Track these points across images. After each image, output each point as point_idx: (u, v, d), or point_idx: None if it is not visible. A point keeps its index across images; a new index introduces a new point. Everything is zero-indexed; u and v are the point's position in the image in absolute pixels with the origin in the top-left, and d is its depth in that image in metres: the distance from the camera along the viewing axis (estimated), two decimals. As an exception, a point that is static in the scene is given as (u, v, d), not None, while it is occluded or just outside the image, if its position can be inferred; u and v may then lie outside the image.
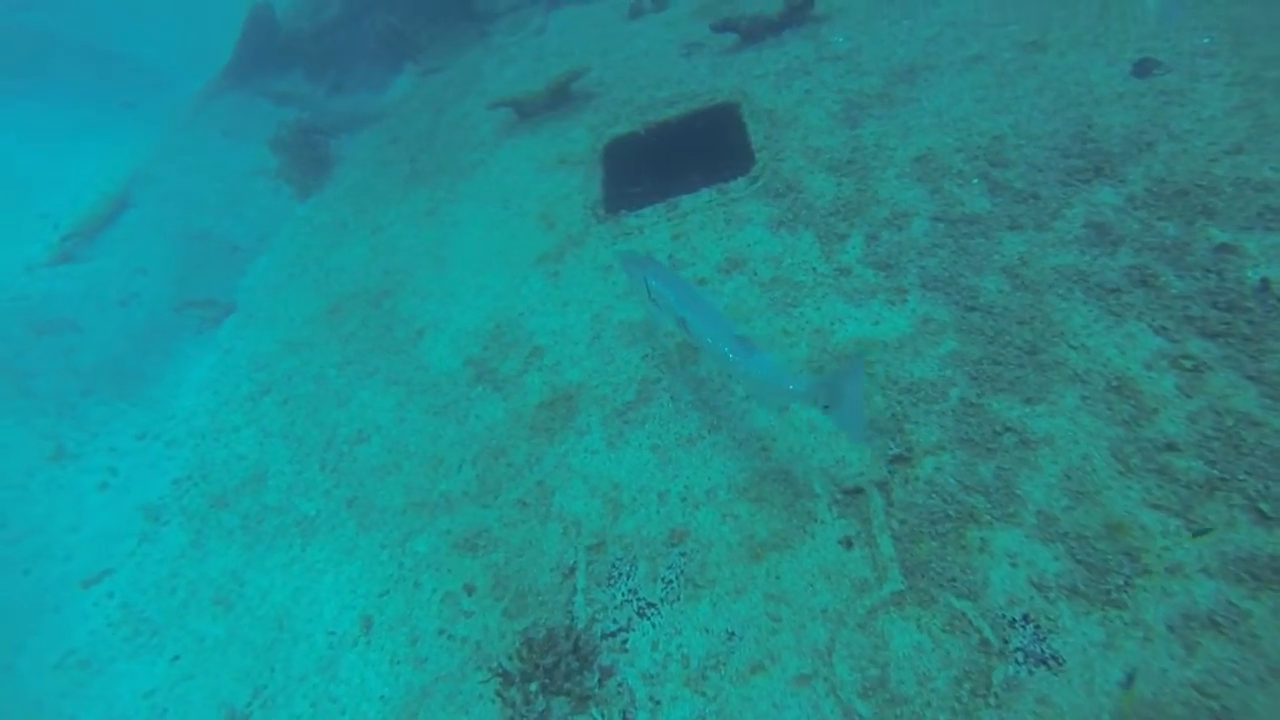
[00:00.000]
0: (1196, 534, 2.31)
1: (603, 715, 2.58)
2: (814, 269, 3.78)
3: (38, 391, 5.67)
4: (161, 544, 4.39)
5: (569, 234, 4.60)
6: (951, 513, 2.64)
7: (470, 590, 3.19)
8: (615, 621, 2.81)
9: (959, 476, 2.72)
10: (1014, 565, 2.43)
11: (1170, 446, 2.57)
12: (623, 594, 2.89)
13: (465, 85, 7.02)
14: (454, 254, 4.98)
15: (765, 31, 5.62)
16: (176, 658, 3.69)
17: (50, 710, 3.76)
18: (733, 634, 2.64)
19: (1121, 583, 2.32)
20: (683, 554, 2.92)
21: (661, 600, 2.81)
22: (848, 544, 2.70)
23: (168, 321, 6.28)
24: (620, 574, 2.95)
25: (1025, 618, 2.29)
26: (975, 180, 3.84)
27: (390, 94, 7.83)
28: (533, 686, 2.69)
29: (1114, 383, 2.81)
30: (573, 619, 2.87)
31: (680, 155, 5.09)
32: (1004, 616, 2.33)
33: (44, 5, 10.35)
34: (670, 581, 2.85)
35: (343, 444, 4.24)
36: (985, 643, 2.29)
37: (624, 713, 2.56)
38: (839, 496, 2.86)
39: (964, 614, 2.36)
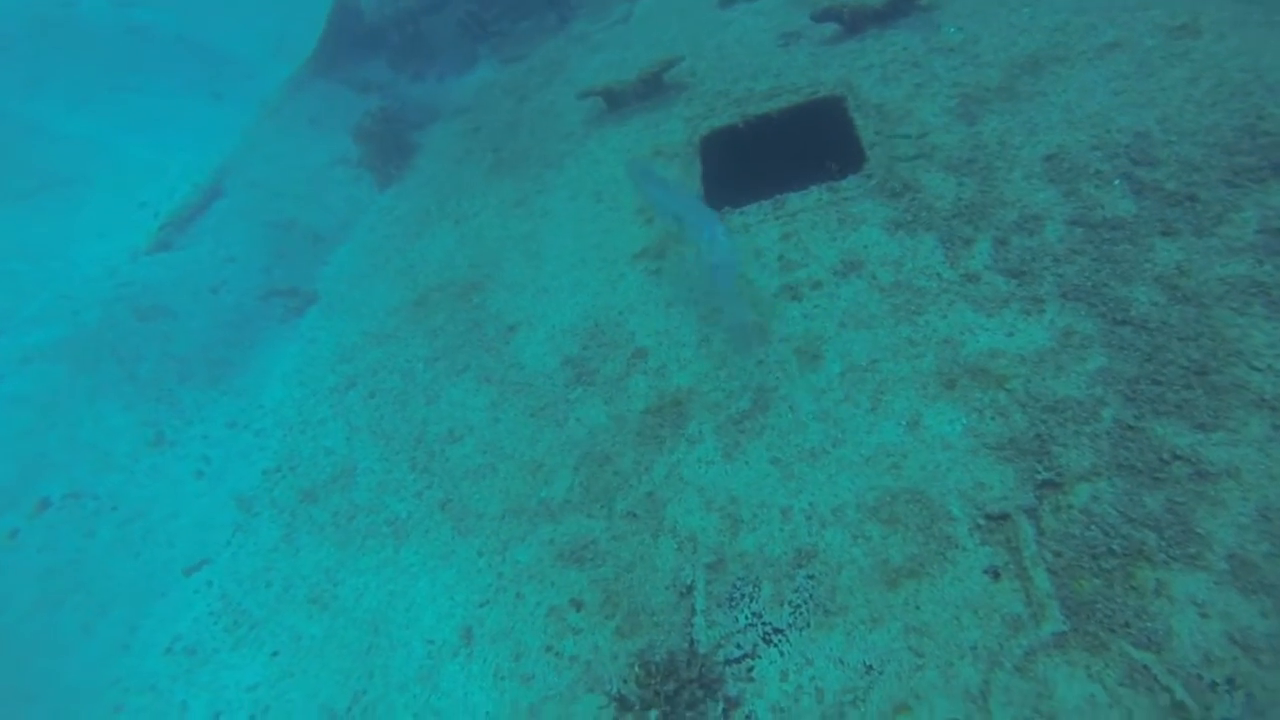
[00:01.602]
0: None
1: (731, 749, 2.44)
2: (938, 274, 3.56)
3: (141, 377, 5.78)
4: (255, 535, 4.39)
5: (669, 230, 4.44)
6: (1116, 548, 2.41)
7: (578, 605, 3.07)
8: (739, 647, 2.65)
9: (1121, 508, 2.49)
10: (1204, 616, 2.19)
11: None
12: (746, 617, 2.73)
13: (549, 73, 6.90)
14: (545, 247, 4.87)
15: (869, 22, 5.36)
16: (275, 654, 3.66)
17: (164, 693, 3.79)
18: (871, 668, 2.46)
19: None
20: (810, 576, 2.75)
21: (790, 626, 2.65)
22: (995, 575, 2.50)
23: (254, 309, 6.34)
24: (743, 595, 2.79)
25: (1231, 682, 2.06)
26: (1117, 181, 3.56)
27: (472, 82, 7.77)
28: (652, 715, 2.56)
29: (1309, 411, 2.54)
30: (693, 642, 2.72)
31: (783, 150, 4.89)
32: (1200, 677, 2.09)
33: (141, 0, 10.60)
34: (798, 606, 2.69)
35: (434, 443, 4.17)
36: (1180, 706, 2.06)
37: (754, 748, 2.42)
38: (981, 522, 2.65)
39: (1146, 667, 2.14)
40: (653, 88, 5.57)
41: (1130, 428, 2.68)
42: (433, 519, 3.79)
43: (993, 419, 2.91)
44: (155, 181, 8.05)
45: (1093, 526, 2.49)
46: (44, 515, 4.91)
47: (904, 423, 3.08)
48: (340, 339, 5.39)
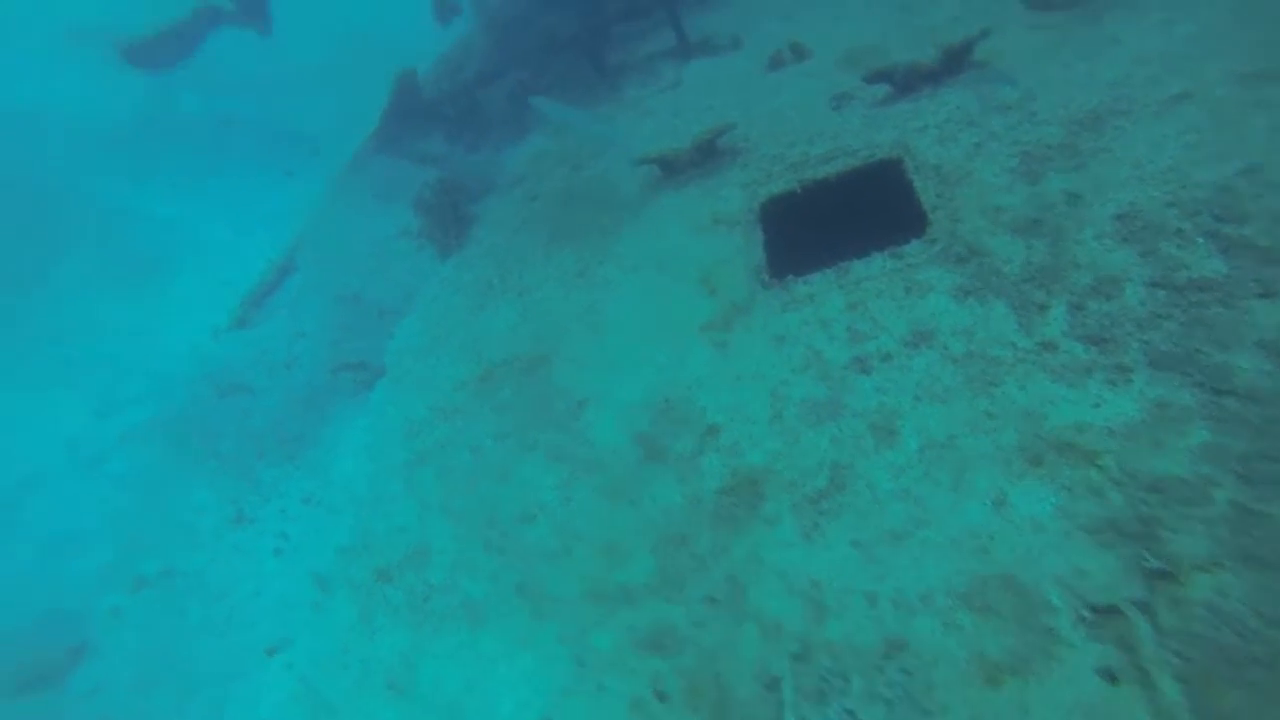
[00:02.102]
0: None
1: None
2: (1013, 343, 3.48)
3: (223, 453, 6.00)
4: (332, 616, 4.45)
5: (733, 301, 4.45)
6: (1259, 654, 2.27)
7: (662, 697, 3.03)
8: (834, 748, 2.58)
9: (1256, 605, 2.35)
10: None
11: None
12: (838, 714, 2.65)
13: (602, 141, 7.06)
14: (609, 320, 4.92)
15: (921, 81, 5.37)
16: (357, 743, 3.69)
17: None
18: (978, 776, 2.36)
19: None
20: (904, 670, 2.66)
21: (886, 726, 2.56)
22: (1110, 677, 2.38)
23: (325, 384, 6.54)
24: (832, 689, 2.72)
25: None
26: (1200, 239, 3.45)
27: (526, 151, 7.98)
28: (749, 819, 2.48)
29: None
30: (785, 741, 2.65)
31: (842, 214, 4.88)
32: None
33: (225, 90, 11.29)
34: (892, 703, 2.60)
35: (506, 522, 4.19)
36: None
37: None
38: (1086, 614, 2.54)
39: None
40: (707, 154, 5.65)
41: (1250, 511, 2.55)
42: (509, 602, 3.80)
43: (1086, 499, 2.81)
44: (235, 260, 8.45)
45: (1223, 626, 2.35)
46: (141, 593, 5.09)
47: (989, 502, 2.99)
48: (409, 414, 5.50)
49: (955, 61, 5.36)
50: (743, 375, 4.04)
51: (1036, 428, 3.13)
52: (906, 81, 5.40)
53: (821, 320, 4.02)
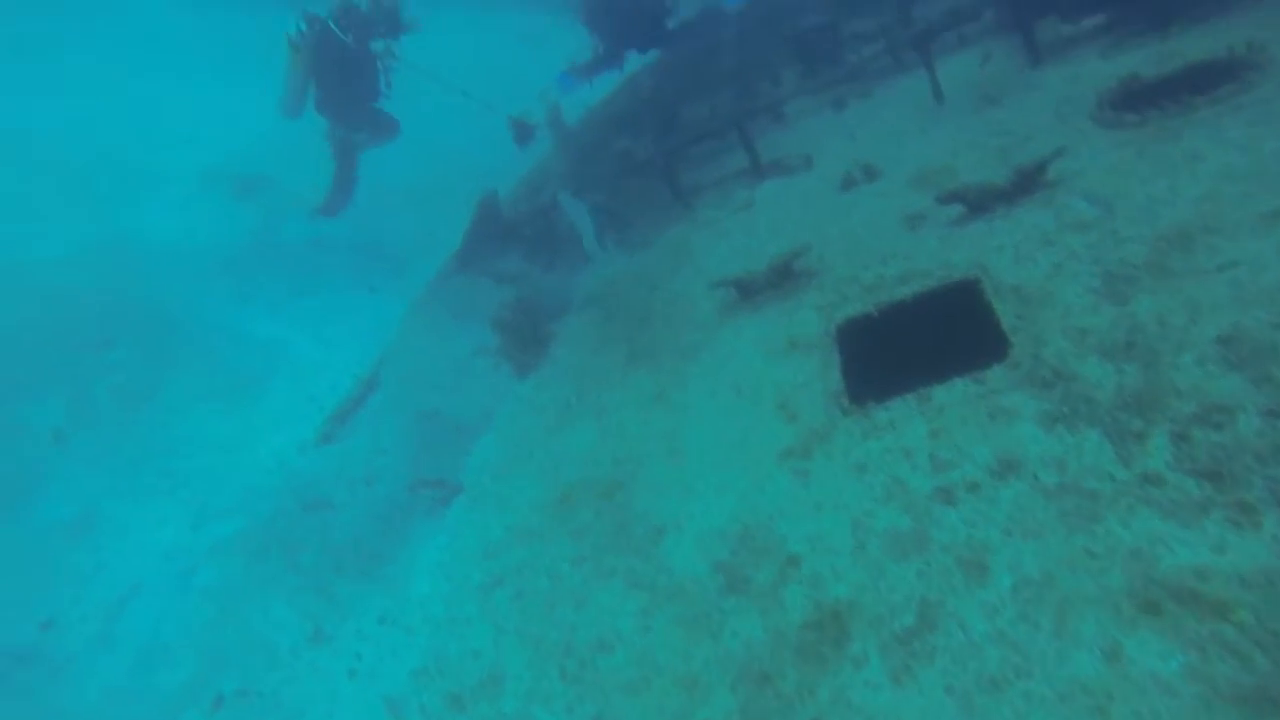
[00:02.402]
0: None
1: None
2: (1110, 475, 3.31)
3: (303, 567, 6.15)
4: (405, 745, 4.39)
5: (812, 427, 4.41)
6: None
7: None
8: None
9: None
10: None
11: None
12: None
13: (677, 262, 7.27)
14: (688, 445, 4.93)
15: (996, 200, 5.40)
16: None
17: None
18: None
19: None
20: None
21: None
22: None
23: (403, 501, 6.68)
24: None
25: None
26: (1316, 366, 3.28)
27: (602, 270, 8.28)
28: None
29: None
30: None
31: (919, 337, 4.85)
32: None
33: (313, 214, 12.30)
34: None
35: (583, 651, 4.11)
36: None
37: None
38: (1230, 795, 2.29)
39: None
40: (783, 276, 5.75)
41: None
42: (586, 739, 3.68)
43: (1222, 659, 2.57)
44: (323, 376, 8.93)
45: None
46: (218, 713, 5.13)
47: (1099, 652, 2.78)
48: (485, 534, 5.55)
49: (1029, 181, 5.39)
50: (823, 504, 3.95)
51: (1148, 570, 2.92)
52: (980, 201, 5.44)
53: (903, 448, 3.93)
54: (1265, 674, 2.48)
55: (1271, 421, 3.16)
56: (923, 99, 7.69)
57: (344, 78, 9.69)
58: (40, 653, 6.78)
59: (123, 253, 11.03)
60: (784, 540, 3.88)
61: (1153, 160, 5.08)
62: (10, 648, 6.74)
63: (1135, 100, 5.71)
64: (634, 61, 11.54)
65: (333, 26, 9.31)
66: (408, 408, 7.48)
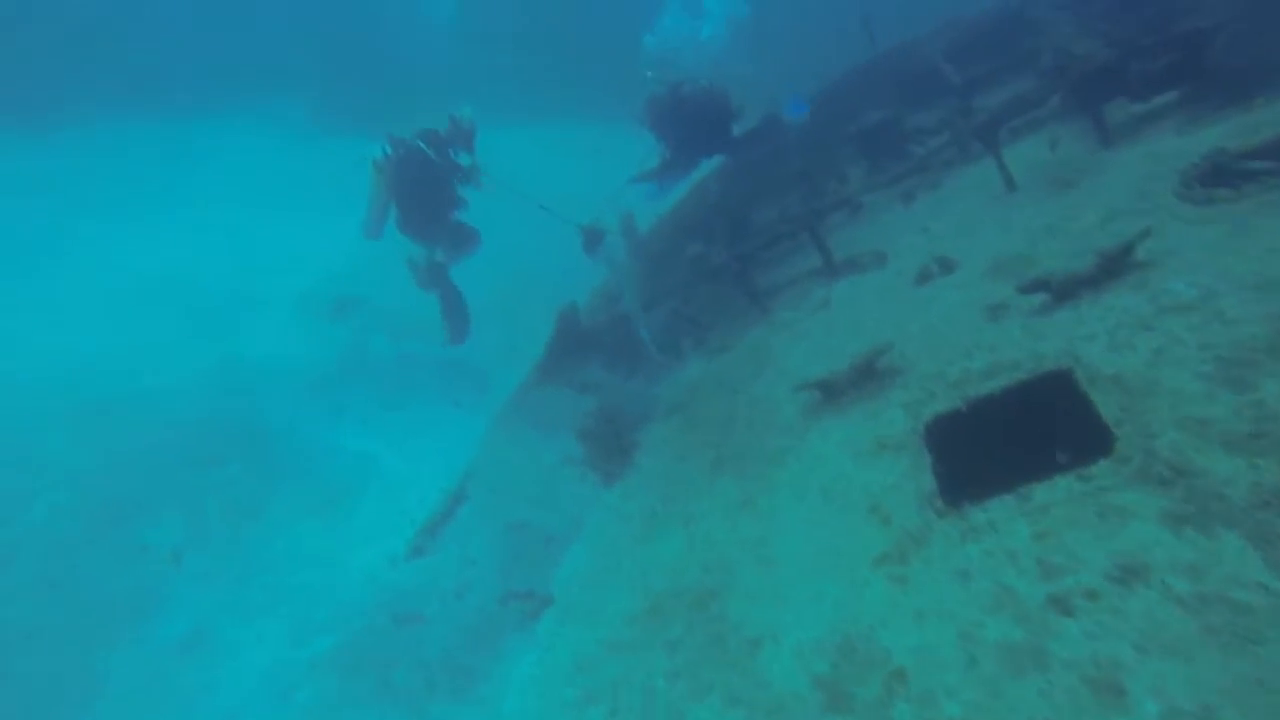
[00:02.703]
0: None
1: None
2: (1263, 585, 3.01)
3: (394, 685, 6.15)
4: None
5: (907, 531, 4.25)
6: None
7: None
8: None
9: None
10: None
11: None
12: None
13: (757, 364, 7.30)
14: (779, 552, 4.81)
15: (1081, 287, 5.24)
16: None
17: None
18: None
19: None
20: None
21: None
22: None
23: (494, 614, 6.67)
24: None
25: None
26: None
27: (682, 377, 8.37)
28: None
29: None
30: None
31: (1012, 432, 4.67)
32: None
33: (408, 329, 13.00)
34: None
35: (682, 773, 3.95)
36: None
37: None
38: None
39: None
40: (866, 375, 5.68)
41: None
42: None
43: None
44: (412, 490, 9.20)
45: None
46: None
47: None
48: (577, 648, 5.47)
49: (1116, 264, 5.23)
50: (926, 613, 3.75)
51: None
52: (1065, 288, 5.29)
53: (1007, 552, 3.72)
54: None
55: None
56: (993, 187, 7.68)
57: (423, 196, 10.37)
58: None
59: (229, 375, 11.84)
60: (887, 653, 3.69)
61: (1255, 235, 4.86)
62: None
63: (1224, 175, 5.55)
64: (701, 166, 12.01)
65: (422, 145, 10.05)
66: (496, 519, 7.57)
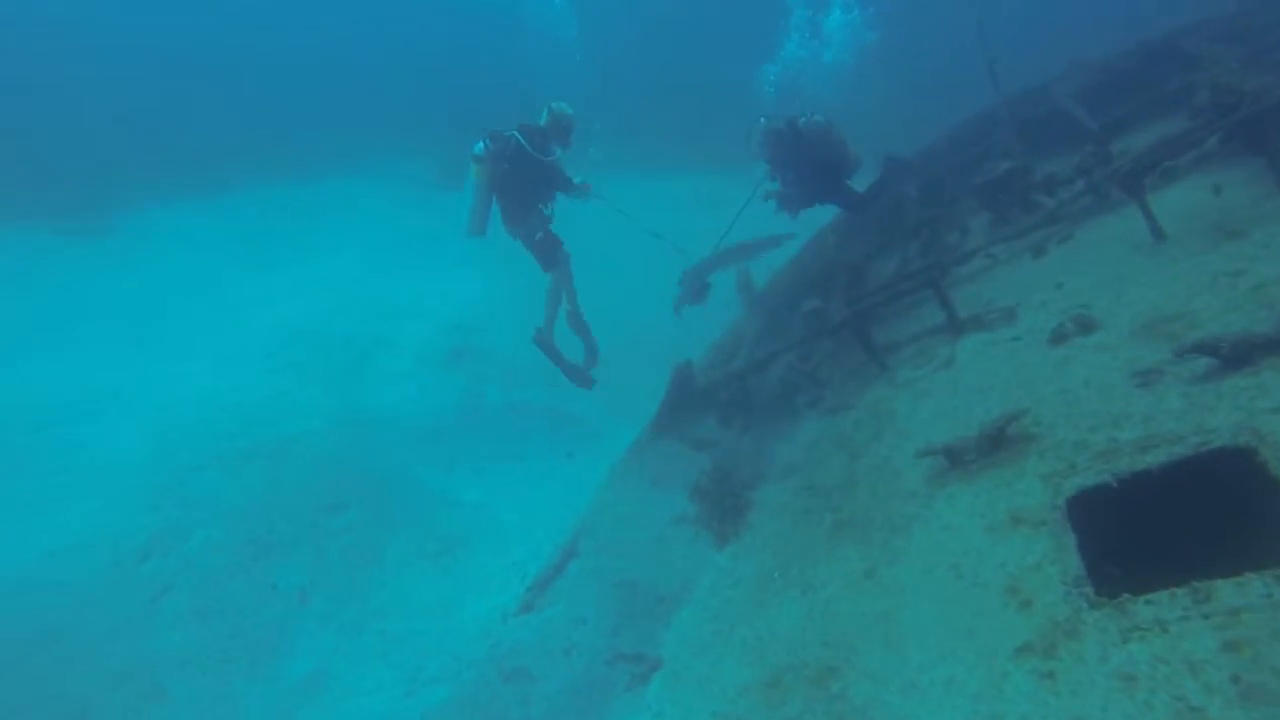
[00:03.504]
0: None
1: None
2: None
3: (500, 746, 6.12)
4: None
5: (1052, 619, 3.86)
6: None
7: None
8: None
9: None
10: None
11: None
12: None
13: (878, 426, 6.98)
14: (906, 630, 4.49)
15: (1260, 353, 4.68)
16: None
17: None
18: None
19: None
20: None
21: None
22: None
23: (602, 675, 6.57)
24: None
25: None
26: None
27: (799, 435, 8.13)
28: None
29: None
30: None
31: (1174, 515, 4.21)
32: None
33: (522, 381, 13.39)
34: None
35: None
36: None
37: None
38: None
39: None
40: (996, 442, 5.31)
41: None
42: None
43: None
44: (523, 542, 9.31)
45: None
46: None
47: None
48: (689, 718, 5.28)
49: (1304, 323, 4.65)
50: (1079, 716, 3.37)
51: None
52: (1237, 353, 4.75)
53: (1186, 661, 3.24)
54: None
55: None
56: (1138, 238, 7.12)
57: (524, 185, 10.45)
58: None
59: (353, 424, 12.44)
60: (1038, 762, 3.33)
61: None
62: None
63: None
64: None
65: (518, 137, 10.29)
66: (607, 577, 7.51)
